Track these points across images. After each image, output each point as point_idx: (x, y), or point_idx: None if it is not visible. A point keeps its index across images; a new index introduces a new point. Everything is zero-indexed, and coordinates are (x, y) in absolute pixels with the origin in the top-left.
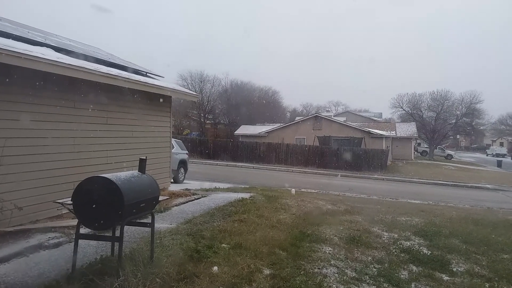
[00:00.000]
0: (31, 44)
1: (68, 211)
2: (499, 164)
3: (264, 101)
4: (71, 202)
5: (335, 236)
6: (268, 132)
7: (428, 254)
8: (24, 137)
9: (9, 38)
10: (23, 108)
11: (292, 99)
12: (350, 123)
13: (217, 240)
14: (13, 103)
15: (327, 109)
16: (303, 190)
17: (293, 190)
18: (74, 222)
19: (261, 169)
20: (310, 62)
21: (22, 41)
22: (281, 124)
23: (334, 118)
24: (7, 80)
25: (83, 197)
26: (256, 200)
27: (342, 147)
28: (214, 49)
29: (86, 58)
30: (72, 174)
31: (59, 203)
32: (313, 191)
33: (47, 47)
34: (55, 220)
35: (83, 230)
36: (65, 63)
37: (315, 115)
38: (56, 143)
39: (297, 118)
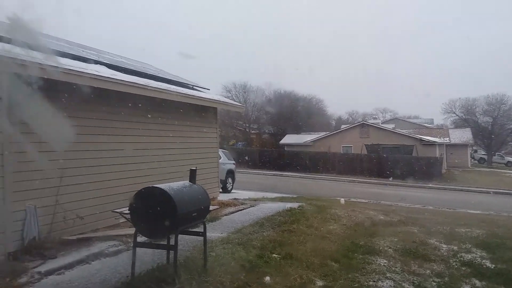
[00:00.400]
0: (86, 62)
1: (125, 220)
2: None
3: (308, 110)
4: (128, 211)
5: (390, 247)
6: (314, 141)
7: (492, 267)
8: (82, 150)
9: (66, 57)
10: (81, 123)
11: (337, 107)
12: (399, 130)
13: (267, 250)
14: (73, 118)
15: (374, 116)
16: (352, 200)
17: (342, 200)
18: (131, 230)
19: (307, 178)
20: (355, 69)
21: (77, 60)
22: (327, 132)
23: (382, 125)
24: (66, 96)
25: (139, 207)
26: (304, 210)
27: (392, 155)
28: (256, 60)
29: (137, 74)
30: (127, 185)
31: (117, 212)
32: (363, 200)
33: (101, 64)
34: (113, 228)
35: (139, 239)
36: (118, 79)
37: (361, 122)
38: (112, 155)
39: (343, 126)
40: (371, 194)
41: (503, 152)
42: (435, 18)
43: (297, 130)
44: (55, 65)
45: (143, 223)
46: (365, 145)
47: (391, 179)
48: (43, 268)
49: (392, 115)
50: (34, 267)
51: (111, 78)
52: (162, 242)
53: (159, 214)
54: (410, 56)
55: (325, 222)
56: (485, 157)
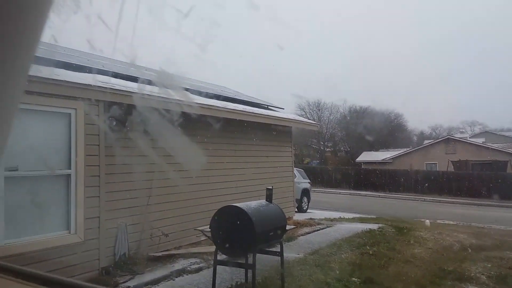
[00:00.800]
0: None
1: (205, 238)
2: None
3: (386, 126)
4: (209, 229)
5: (483, 274)
6: (393, 158)
7: None
8: (165, 171)
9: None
10: (162, 146)
11: (418, 121)
12: (491, 144)
13: (346, 273)
14: (153, 141)
15: (461, 130)
16: (438, 221)
17: (427, 222)
18: (211, 248)
19: (387, 198)
20: (438, 80)
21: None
22: (407, 149)
23: (470, 139)
24: (149, 121)
25: (218, 225)
26: (385, 232)
27: (483, 172)
28: (330, 76)
29: (216, 97)
30: (206, 204)
31: (199, 230)
32: (451, 222)
33: (186, 90)
34: (195, 246)
35: (219, 257)
36: (199, 103)
37: (446, 137)
38: (193, 175)
39: (426, 141)
40: (459, 216)
41: None
42: None
43: (375, 147)
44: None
45: (222, 241)
46: (452, 161)
47: (483, 198)
48: (132, 283)
49: (482, 128)
50: (124, 282)
51: (195, 102)
52: (240, 261)
53: (237, 232)
54: (501, 62)
55: (408, 245)
56: None
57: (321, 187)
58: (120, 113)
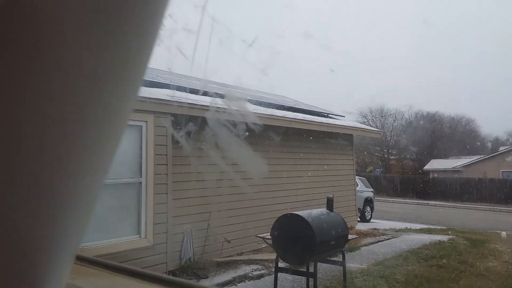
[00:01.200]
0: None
1: (266, 245)
2: None
3: (456, 132)
4: (270, 237)
5: None
6: (465, 166)
7: None
8: (228, 179)
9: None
10: (228, 155)
11: (493, 126)
12: None
13: (413, 285)
14: (220, 150)
15: None
16: None
17: (503, 233)
18: (272, 256)
19: (458, 208)
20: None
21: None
22: (481, 156)
23: None
24: (216, 132)
25: (279, 233)
26: (456, 244)
27: None
28: (393, 81)
29: (275, 106)
30: (267, 211)
31: (260, 237)
32: None
33: (248, 101)
34: (256, 253)
35: (280, 264)
36: (259, 113)
37: None
38: (254, 183)
39: (501, 148)
40: None
41: None
42: None
43: (444, 155)
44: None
45: (283, 249)
46: None
47: None
48: None
49: None
50: None
51: (258, 113)
52: (301, 269)
53: (298, 240)
54: None
55: (482, 258)
56: None
57: (385, 196)
58: (195, 126)
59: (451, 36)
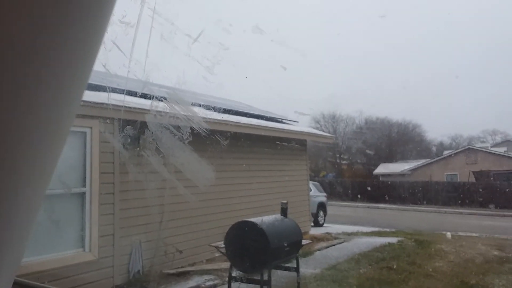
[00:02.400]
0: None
1: (220, 254)
2: None
3: (404, 137)
4: (223, 245)
5: (506, 287)
6: (412, 170)
7: None
8: (176, 187)
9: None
10: (173, 162)
11: (437, 131)
12: None
13: None
14: (165, 157)
15: (481, 140)
16: (460, 233)
17: (448, 234)
18: (226, 265)
19: (406, 210)
20: (456, 90)
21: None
22: (426, 160)
23: (491, 149)
24: (161, 138)
25: (233, 241)
26: (405, 245)
27: (506, 182)
28: (345, 88)
29: (229, 112)
30: (221, 219)
31: (213, 246)
32: (473, 234)
33: (198, 106)
34: (209, 262)
35: (233, 273)
36: (212, 119)
37: (467, 147)
38: (206, 190)
39: (445, 152)
40: (482, 228)
41: None
42: None
43: (393, 159)
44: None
45: (237, 257)
46: (473, 172)
47: (506, 209)
48: None
49: (503, 137)
50: None
51: (205, 117)
52: (255, 277)
53: (252, 247)
54: None
55: (429, 259)
56: None
57: (338, 200)
58: (134, 131)
59: (407, 37)
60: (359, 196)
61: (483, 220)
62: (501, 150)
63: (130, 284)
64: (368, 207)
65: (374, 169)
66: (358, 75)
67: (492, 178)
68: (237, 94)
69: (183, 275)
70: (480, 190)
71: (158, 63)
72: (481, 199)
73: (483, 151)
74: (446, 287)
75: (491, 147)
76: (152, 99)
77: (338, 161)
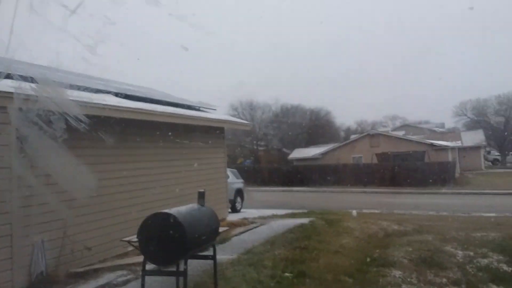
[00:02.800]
0: (94, 93)
1: (133, 248)
2: None
3: (316, 123)
4: (136, 239)
5: (404, 258)
6: (323, 154)
7: (509, 271)
8: (86, 180)
9: (73, 89)
10: (86, 153)
11: (345, 117)
12: (410, 136)
13: (279, 269)
14: (77, 148)
15: (383, 125)
16: (364, 211)
17: (354, 212)
18: (140, 258)
19: (318, 192)
20: (362, 77)
21: (86, 91)
22: (336, 144)
23: (391, 133)
24: (71, 127)
25: (147, 234)
26: (316, 225)
27: (403, 163)
28: (262, 75)
29: (144, 99)
30: (135, 212)
31: (125, 241)
32: (376, 211)
33: (108, 93)
34: (122, 257)
35: (148, 266)
36: (124, 107)
37: (371, 131)
38: (119, 182)
39: (352, 136)
40: (383, 204)
41: None
42: (443, 22)
43: (306, 144)
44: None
45: (151, 250)
46: (376, 154)
47: (403, 187)
48: None
49: (402, 121)
50: None
51: (117, 105)
52: (171, 269)
53: (167, 239)
54: (417, 60)
55: (337, 236)
56: (499, 158)
57: (255, 186)
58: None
59: (325, 31)
60: (275, 180)
61: (384, 198)
62: (400, 133)
63: (32, 287)
64: (283, 191)
65: (289, 155)
66: (274, 62)
67: (392, 159)
68: (129, 79)
69: (94, 273)
70: (381, 170)
71: (27, 40)
72: (382, 179)
73: (384, 135)
74: (353, 262)
75: (391, 131)
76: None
77: (255, 147)
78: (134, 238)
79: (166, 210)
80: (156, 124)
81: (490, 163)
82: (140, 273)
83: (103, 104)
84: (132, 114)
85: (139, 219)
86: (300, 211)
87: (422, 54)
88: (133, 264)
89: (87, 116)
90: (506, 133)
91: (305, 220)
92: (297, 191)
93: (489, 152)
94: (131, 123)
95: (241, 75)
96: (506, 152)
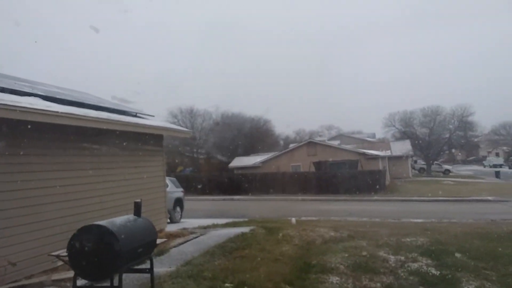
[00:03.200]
0: (19, 95)
1: (63, 263)
2: (497, 175)
3: (256, 131)
4: (66, 253)
5: (341, 264)
6: (263, 162)
7: (437, 274)
8: (13, 190)
9: None
10: (11, 160)
11: (285, 126)
12: (345, 146)
13: (219, 280)
14: (1, 155)
15: (320, 134)
16: (303, 218)
17: (293, 220)
18: (70, 274)
19: (258, 200)
20: (300, 89)
21: (9, 93)
22: (275, 152)
23: (328, 142)
24: None
25: (78, 247)
26: (256, 234)
27: (339, 171)
28: (202, 83)
29: (76, 104)
30: (66, 224)
31: (54, 256)
32: (314, 218)
33: (35, 96)
34: (50, 273)
35: (80, 282)
36: (53, 111)
37: (308, 141)
38: (48, 193)
39: (291, 145)
40: (321, 211)
41: (440, 160)
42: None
43: (246, 152)
44: None
45: (83, 265)
46: (313, 162)
47: (339, 194)
48: None
49: (337, 131)
50: None
51: (45, 110)
52: (105, 284)
53: (100, 253)
54: (350, 73)
55: (277, 244)
56: (425, 166)
57: (195, 194)
58: None
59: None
60: (215, 189)
61: (321, 205)
62: (335, 143)
63: None
64: (224, 199)
65: (229, 163)
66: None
67: (328, 168)
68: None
69: None
70: (318, 178)
71: None
72: (319, 186)
73: (321, 144)
74: (292, 269)
75: (327, 140)
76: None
77: (195, 156)
78: (63, 252)
79: (99, 222)
80: (89, 130)
81: (417, 172)
82: None
83: (28, 108)
84: (62, 119)
85: (69, 231)
86: (241, 219)
87: (357, 69)
88: (63, 279)
89: (8, 120)
90: (430, 147)
91: (245, 229)
92: (238, 199)
93: (415, 161)
94: (61, 128)
95: (184, 85)
96: (431, 161)
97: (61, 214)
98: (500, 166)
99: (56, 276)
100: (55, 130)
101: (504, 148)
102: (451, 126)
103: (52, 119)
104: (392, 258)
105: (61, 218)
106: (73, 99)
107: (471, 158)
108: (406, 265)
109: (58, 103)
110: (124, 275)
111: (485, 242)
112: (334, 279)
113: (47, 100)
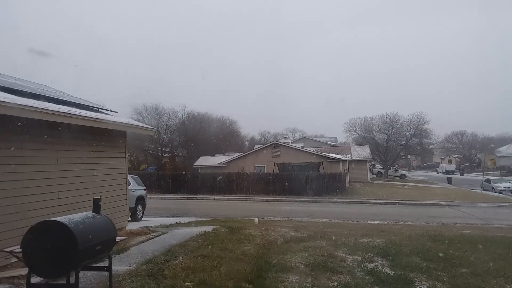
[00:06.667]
0: None
1: (17, 259)
2: (449, 180)
3: (222, 132)
4: (20, 250)
5: (301, 263)
6: (228, 162)
7: (392, 274)
8: None
9: None
10: None
11: (250, 128)
12: (308, 148)
13: (180, 278)
14: None
15: (284, 136)
16: (266, 218)
17: (256, 220)
18: (24, 271)
19: (222, 200)
20: (265, 91)
21: None
22: (240, 153)
23: (291, 144)
24: None
25: (33, 244)
26: (219, 233)
27: (301, 173)
28: (168, 81)
29: (34, 96)
30: (21, 220)
31: (7, 252)
32: (276, 218)
33: None
34: (3, 270)
35: (34, 279)
36: (10, 103)
37: (273, 142)
38: (2, 187)
39: (256, 146)
40: (283, 212)
41: (397, 166)
42: (339, 43)
43: (211, 152)
44: None
45: (38, 262)
46: (277, 164)
47: (301, 195)
48: None
49: (301, 134)
50: None
51: (0, 101)
52: (60, 282)
53: (56, 250)
54: (316, 77)
55: (239, 244)
56: (382, 171)
57: (159, 193)
58: None
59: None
60: (179, 188)
61: (284, 206)
62: (299, 145)
63: None
64: (188, 198)
65: (194, 162)
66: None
67: (291, 169)
68: None
69: None
70: (282, 179)
71: None
72: (282, 187)
73: (285, 146)
74: (253, 268)
75: (291, 143)
76: None
77: (160, 154)
78: (17, 248)
79: (56, 218)
80: (48, 124)
81: (375, 175)
82: (24, 287)
83: None
84: (19, 111)
85: (24, 228)
86: (204, 219)
87: (321, 75)
88: (16, 277)
89: None
90: (388, 152)
91: (208, 228)
92: (202, 199)
93: (374, 166)
94: (20, 121)
95: (150, 82)
96: (388, 166)
97: (16, 209)
98: (452, 172)
99: (9, 273)
100: (11, 123)
101: (456, 155)
102: (407, 133)
103: (7, 111)
104: (349, 258)
105: (16, 214)
106: (33, 91)
107: (425, 164)
108: (362, 265)
109: (17, 95)
110: (82, 273)
111: (436, 244)
112: (294, 278)
113: (4, 92)
